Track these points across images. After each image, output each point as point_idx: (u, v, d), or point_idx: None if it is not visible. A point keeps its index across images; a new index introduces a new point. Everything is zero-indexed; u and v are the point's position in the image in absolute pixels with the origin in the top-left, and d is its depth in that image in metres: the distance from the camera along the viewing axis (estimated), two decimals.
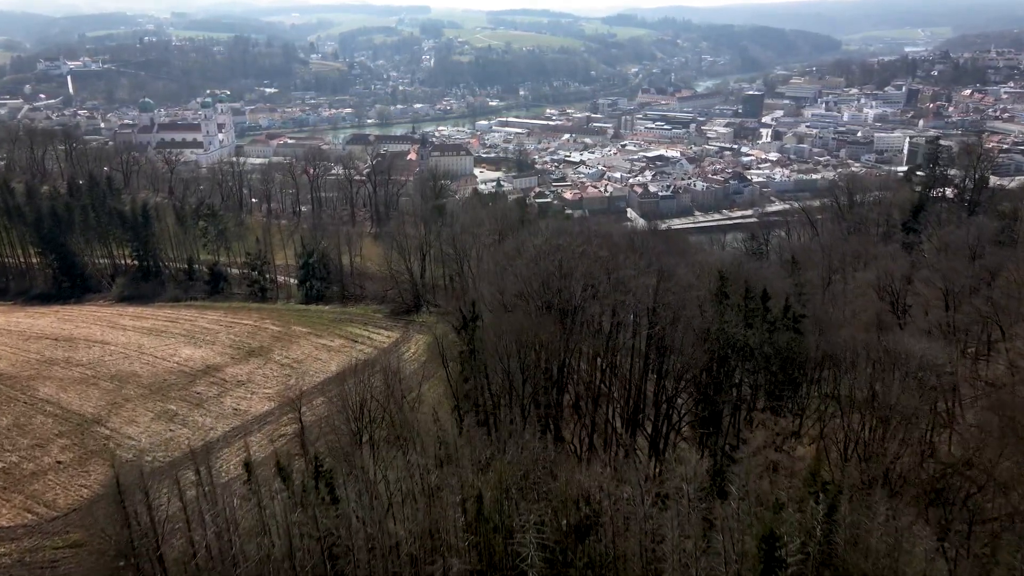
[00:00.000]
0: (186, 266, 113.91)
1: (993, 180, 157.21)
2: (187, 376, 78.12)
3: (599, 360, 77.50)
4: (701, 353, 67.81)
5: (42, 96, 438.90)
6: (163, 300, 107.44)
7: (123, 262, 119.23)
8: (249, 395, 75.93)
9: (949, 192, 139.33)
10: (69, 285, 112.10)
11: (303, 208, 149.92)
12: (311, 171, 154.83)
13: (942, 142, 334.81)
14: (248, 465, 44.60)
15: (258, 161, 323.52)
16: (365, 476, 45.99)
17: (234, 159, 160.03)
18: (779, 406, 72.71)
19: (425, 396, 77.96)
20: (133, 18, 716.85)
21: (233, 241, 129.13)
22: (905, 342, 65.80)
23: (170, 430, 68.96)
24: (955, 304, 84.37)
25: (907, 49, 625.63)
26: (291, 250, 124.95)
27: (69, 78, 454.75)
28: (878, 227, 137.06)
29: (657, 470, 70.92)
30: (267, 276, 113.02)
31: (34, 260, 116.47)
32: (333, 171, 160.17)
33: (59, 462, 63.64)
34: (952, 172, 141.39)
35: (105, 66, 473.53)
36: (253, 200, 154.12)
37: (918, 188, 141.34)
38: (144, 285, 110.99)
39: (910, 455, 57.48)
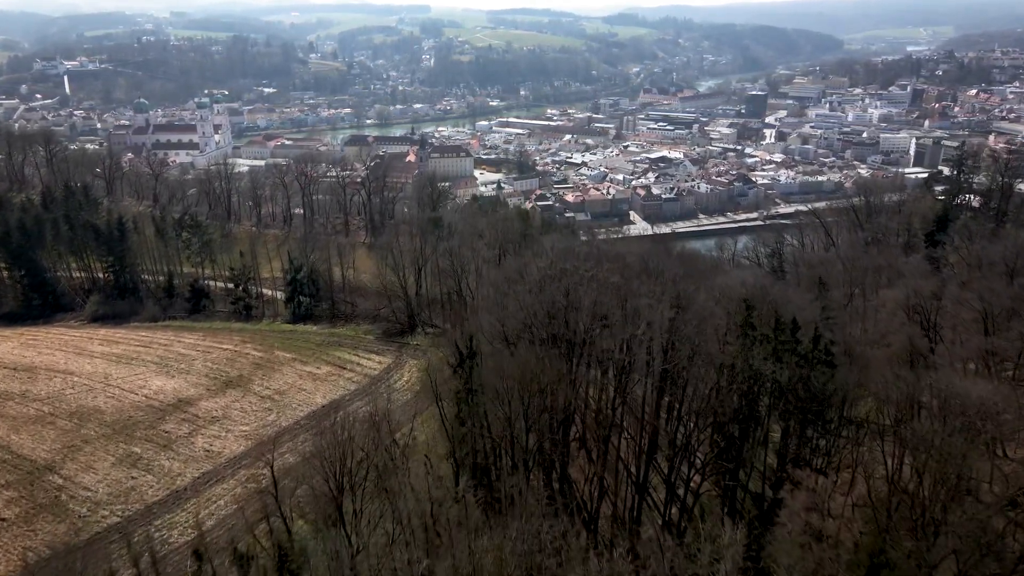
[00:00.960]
0: (166, 282, 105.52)
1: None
2: (156, 412, 70.14)
3: (610, 388, 70.06)
4: (726, 394, 60.12)
5: (38, 96, 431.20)
6: (140, 320, 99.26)
7: (100, 275, 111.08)
8: (223, 433, 68.01)
9: (974, 200, 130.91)
10: (40, 303, 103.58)
11: (297, 210, 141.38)
12: (310, 172, 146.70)
13: (947, 143, 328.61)
14: (199, 554, 36.67)
15: (255, 163, 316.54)
16: (340, 562, 38.29)
17: (221, 164, 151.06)
18: (810, 452, 65.20)
19: (418, 433, 70.13)
20: (132, 17, 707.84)
21: (219, 253, 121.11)
22: (956, 384, 58.00)
23: (132, 478, 61.04)
24: (994, 327, 76.83)
25: (909, 48, 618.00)
26: (280, 261, 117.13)
27: (66, 78, 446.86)
28: (898, 237, 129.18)
29: (672, 511, 63.39)
30: (252, 293, 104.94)
31: (4, 275, 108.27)
32: (330, 173, 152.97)
33: (2, 519, 55.77)
34: (978, 179, 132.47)
35: (102, 66, 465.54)
36: (250, 203, 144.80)
37: (941, 196, 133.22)
38: (120, 303, 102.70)
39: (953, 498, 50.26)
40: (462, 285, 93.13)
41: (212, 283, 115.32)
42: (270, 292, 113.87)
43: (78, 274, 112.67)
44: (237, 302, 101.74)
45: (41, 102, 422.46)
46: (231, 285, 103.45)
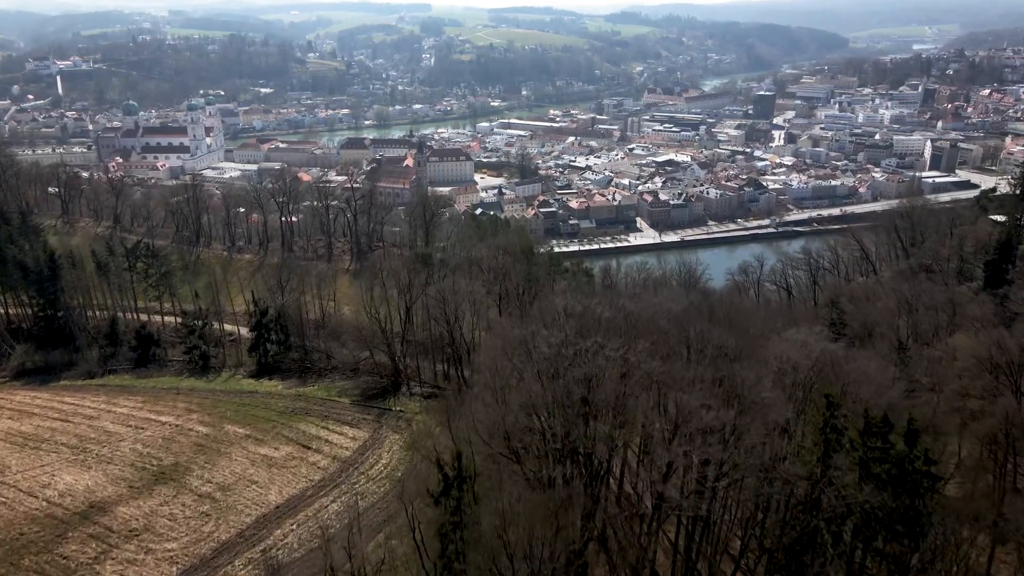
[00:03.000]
0: (108, 328, 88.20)
1: None
2: (57, 525, 53.44)
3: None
4: (796, 513, 44.02)
5: (30, 97, 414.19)
6: (73, 376, 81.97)
7: (34, 310, 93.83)
8: (142, 556, 51.41)
9: None
10: None
11: (292, 217, 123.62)
12: (299, 174, 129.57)
13: (964, 146, 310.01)
14: None
15: (247, 167, 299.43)
16: None
17: (189, 181, 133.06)
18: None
19: (397, 543, 53.44)
20: (130, 16, 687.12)
21: (184, 283, 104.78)
22: None
23: None
24: None
25: (915, 47, 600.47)
26: (249, 293, 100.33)
27: (58, 78, 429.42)
28: (948, 262, 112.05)
29: None
30: (211, 338, 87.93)
31: None
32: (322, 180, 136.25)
33: None
34: None
35: (96, 66, 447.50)
36: (241, 209, 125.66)
37: (999, 217, 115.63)
38: (53, 354, 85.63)
39: None
40: (455, 335, 76.23)
41: (172, 320, 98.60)
42: (236, 329, 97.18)
43: (15, 310, 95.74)
44: (191, 351, 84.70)
45: (33, 103, 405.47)
46: (186, 331, 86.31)
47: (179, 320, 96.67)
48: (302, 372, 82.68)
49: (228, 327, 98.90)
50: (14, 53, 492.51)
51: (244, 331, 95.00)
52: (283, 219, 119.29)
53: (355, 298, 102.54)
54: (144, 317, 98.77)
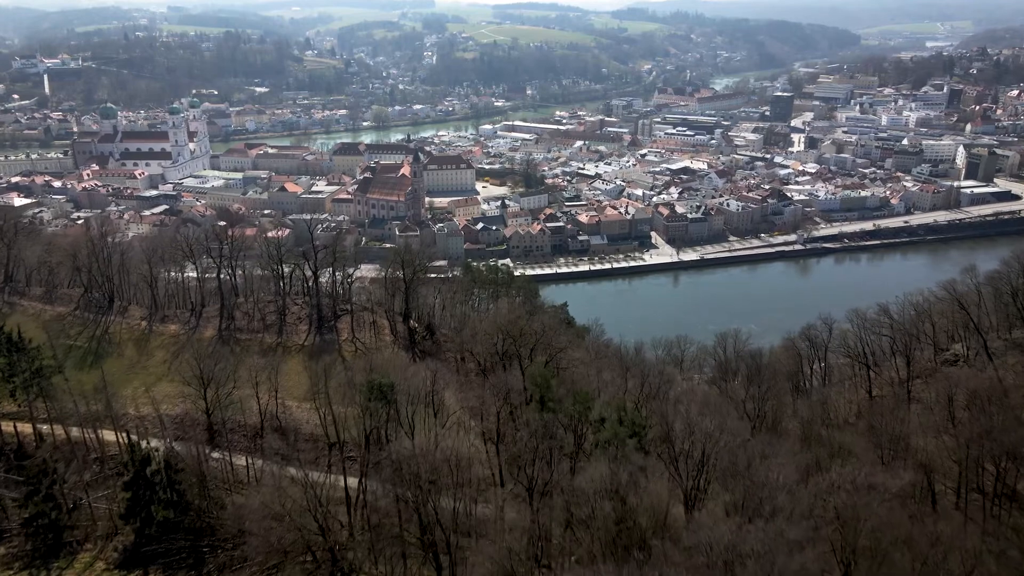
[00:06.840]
0: None
1: None
2: None
3: None
4: None
5: (15, 97, 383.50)
6: None
7: None
8: None
9: None
10: None
11: (233, 273, 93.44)
12: (232, 233, 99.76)
13: (1000, 152, 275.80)
14: None
15: (232, 175, 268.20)
16: None
17: (98, 230, 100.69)
18: None
19: None
20: (128, 12, 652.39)
21: (84, 368, 74.64)
22: None
23: None
24: None
25: (929, 44, 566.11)
26: (174, 383, 70.72)
27: (45, 77, 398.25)
28: None
29: None
30: (70, 497, 57.61)
31: None
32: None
33: None
34: None
35: (85, 64, 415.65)
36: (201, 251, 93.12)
37: None
38: None
39: None
40: (431, 528, 45.85)
41: (50, 429, 68.37)
42: (150, 443, 66.97)
43: None
44: (34, 521, 54.33)
45: (18, 103, 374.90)
46: (28, 490, 55.81)
47: (59, 433, 66.49)
48: (197, 561, 52.15)
49: (131, 438, 68.87)
50: (4, 50, 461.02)
51: (154, 443, 64.97)
52: (221, 278, 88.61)
53: (306, 390, 72.88)
54: (8, 428, 68.51)
